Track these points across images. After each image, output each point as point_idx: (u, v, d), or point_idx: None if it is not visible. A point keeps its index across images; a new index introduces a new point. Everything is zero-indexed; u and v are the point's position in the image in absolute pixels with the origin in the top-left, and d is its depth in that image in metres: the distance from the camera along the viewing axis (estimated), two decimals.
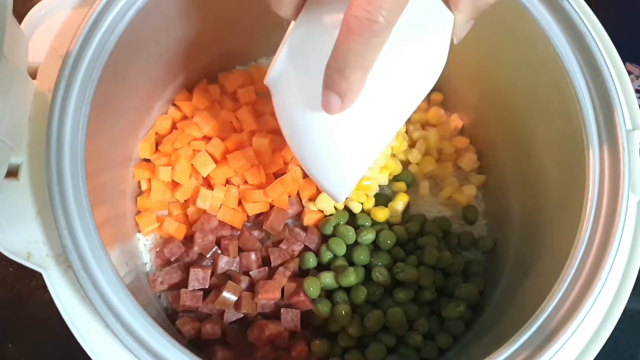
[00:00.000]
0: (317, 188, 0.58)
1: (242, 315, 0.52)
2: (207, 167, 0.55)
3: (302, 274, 0.56)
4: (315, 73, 0.34)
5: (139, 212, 0.56)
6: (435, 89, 0.64)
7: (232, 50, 0.62)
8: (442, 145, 0.61)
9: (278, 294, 0.51)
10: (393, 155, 0.60)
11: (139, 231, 0.56)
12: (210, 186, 0.56)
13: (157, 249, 0.55)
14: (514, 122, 0.55)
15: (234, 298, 0.51)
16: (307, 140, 0.37)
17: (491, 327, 0.50)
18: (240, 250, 0.55)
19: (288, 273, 0.54)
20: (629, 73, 0.60)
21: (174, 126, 0.59)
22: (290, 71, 0.36)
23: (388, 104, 0.35)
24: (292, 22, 0.38)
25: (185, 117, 0.60)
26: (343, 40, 0.30)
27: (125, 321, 0.38)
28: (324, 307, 0.52)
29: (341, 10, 0.31)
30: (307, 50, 0.35)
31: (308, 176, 0.58)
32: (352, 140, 0.36)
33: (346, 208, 0.58)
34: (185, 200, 0.57)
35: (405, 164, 0.61)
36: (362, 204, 0.58)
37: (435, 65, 0.36)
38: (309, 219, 0.57)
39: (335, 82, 0.32)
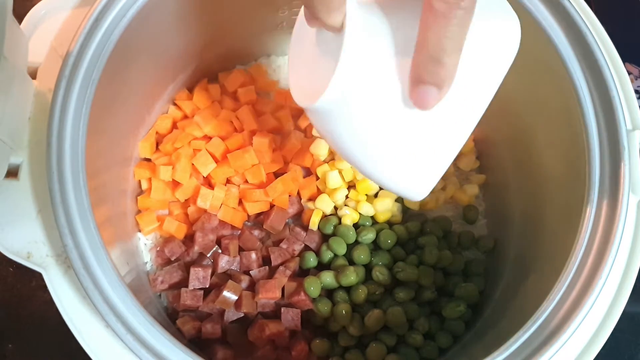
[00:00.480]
0: (318, 188, 0.58)
1: (242, 315, 0.52)
2: (207, 167, 0.55)
3: (302, 273, 0.56)
4: (389, 75, 0.32)
5: (139, 211, 0.56)
6: None
7: (232, 49, 0.61)
8: None
9: (278, 294, 0.51)
10: None
11: (140, 230, 0.56)
12: (210, 185, 0.56)
13: (158, 248, 0.55)
14: (514, 121, 0.55)
15: (234, 297, 0.51)
16: (383, 146, 0.34)
17: (491, 327, 0.50)
18: (241, 249, 0.55)
19: (288, 272, 0.54)
20: (629, 73, 0.60)
21: (174, 125, 0.59)
22: (355, 83, 0.32)
23: (471, 86, 0.33)
24: (300, 28, 0.36)
25: (185, 117, 0.60)
26: (431, 27, 0.29)
27: (125, 320, 0.38)
28: (324, 307, 0.52)
29: (401, 5, 0.29)
30: (373, 56, 0.32)
31: (307, 176, 0.58)
32: (438, 133, 0.34)
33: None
34: (185, 200, 0.57)
35: None
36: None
37: (512, 38, 0.34)
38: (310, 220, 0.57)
39: (431, 72, 0.31)
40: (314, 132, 0.59)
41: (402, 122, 0.33)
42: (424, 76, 0.31)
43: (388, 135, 0.34)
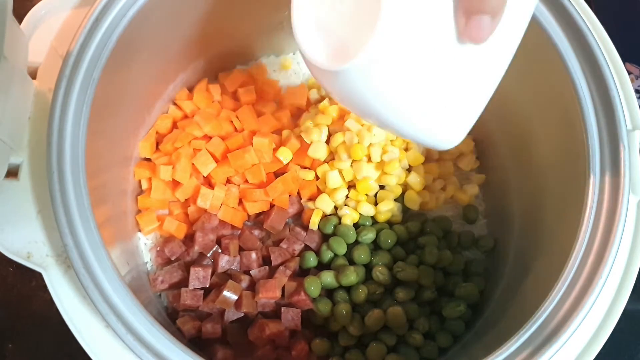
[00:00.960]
0: (318, 188, 0.58)
1: (242, 315, 0.52)
2: (207, 166, 0.55)
3: (302, 273, 0.56)
4: (434, 12, 0.29)
5: (139, 211, 0.56)
6: None
7: (232, 49, 0.62)
8: None
9: (278, 293, 0.52)
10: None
11: (140, 230, 0.56)
12: (210, 185, 0.56)
13: (158, 248, 0.55)
14: (514, 121, 0.55)
15: (234, 297, 0.51)
16: (426, 94, 0.32)
17: (491, 327, 0.50)
18: (241, 249, 0.55)
19: (288, 272, 0.54)
20: (629, 73, 0.60)
21: (174, 125, 0.59)
22: (401, 25, 0.28)
23: (509, 18, 0.32)
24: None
25: (185, 117, 0.60)
26: None
27: (126, 320, 0.38)
28: (324, 306, 0.52)
29: None
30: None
31: (309, 175, 0.58)
32: (480, 71, 0.33)
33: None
34: (185, 200, 0.57)
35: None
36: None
37: None
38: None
39: (483, 0, 0.29)
40: (324, 105, 0.58)
41: (448, 64, 0.31)
42: (477, 4, 0.30)
43: (433, 81, 0.31)
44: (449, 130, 0.35)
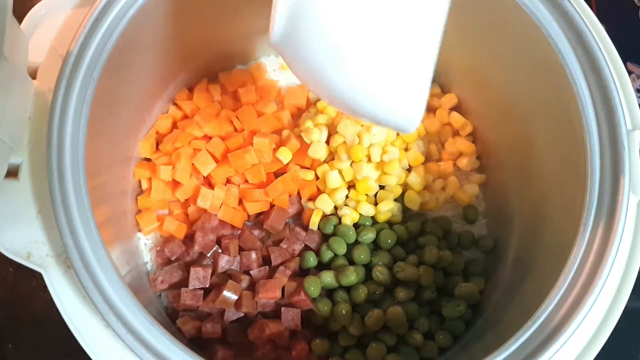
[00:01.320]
0: (318, 188, 0.58)
1: (242, 315, 0.52)
2: (207, 167, 0.55)
3: (302, 273, 0.56)
4: None
5: (139, 211, 0.56)
6: (436, 88, 0.64)
7: (232, 49, 0.62)
8: (445, 141, 0.61)
9: (278, 293, 0.52)
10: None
11: (140, 230, 0.56)
12: (210, 185, 0.56)
13: (158, 248, 0.55)
14: (514, 121, 0.55)
15: (234, 297, 0.51)
16: (361, 56, 0.32)
17: (491, 327, 0.50)
18: (241, 249, 0.55)
19: (288, 272, 0.54)
20: (630, 73, 0.60)
21: (174, 125, 0.59)
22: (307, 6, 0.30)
23: None
24: None
25: (185, 117, 0.60)
26: None
27: (126, 320, 0.38)
28: (324, 306, 0.52)
29: None
30: None
31: (309, 175, 0.58)
32: (411, 30, 0.32)
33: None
34: (185, 200, 0.57)
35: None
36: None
37: None
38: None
39: None
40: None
41: (372, 18, 0.31)
42: None
43: (362, 39, 0.32)
44: (404, 100, 0.35)
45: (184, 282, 0.53)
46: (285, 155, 0.57)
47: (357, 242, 0.56)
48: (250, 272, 0.54)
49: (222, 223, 0.56)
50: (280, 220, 0.56)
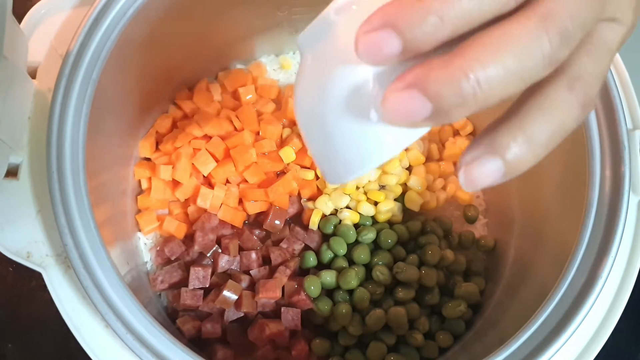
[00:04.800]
0: (318, 188, 0.58)
1: (242, 314, 0.52)
2: (207, 166, 0.55)
3: (302, 273, 0.56)
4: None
5: (139, 211, 0.56)
6: None
7: (232, 49, 0.61)
8: (445, 141, 0.61)
9: (278, 293, 0.51)
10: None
11: (140, 230, 0.56)
12: (210, 185, 0.56)
13: (158, 248, 0.55)
14: None
15: (234, 297, 0.51)
16: (333, 115, 0.30)
17: (492, 327, 0.50)
18: (241, 249, 0.55)
19: (288, 272, 0.54)
20: None
21: (174, 125, 0.59)
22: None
23: None
24: None
25: (185, 116, 0.60)
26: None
27: (125, 320, 0.38)
28: (324, 306, 0.52)
29: None
30: None
31: (309, 175, 0.58)
32: (374, 133, 0.32)
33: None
34: (185, 199, 0.57)
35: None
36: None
37: None
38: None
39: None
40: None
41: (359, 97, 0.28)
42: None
43: (344, 102, 0.29)
44: (339, 169, 0.34)
45: (184, 282, 0.53)
46: (288, 155, 0.57)
47: (357, 242, 0.56)
48: (250, 272, 0.54)
49: (222, 223, 0.56)
50: (280, 220, 0.56)
